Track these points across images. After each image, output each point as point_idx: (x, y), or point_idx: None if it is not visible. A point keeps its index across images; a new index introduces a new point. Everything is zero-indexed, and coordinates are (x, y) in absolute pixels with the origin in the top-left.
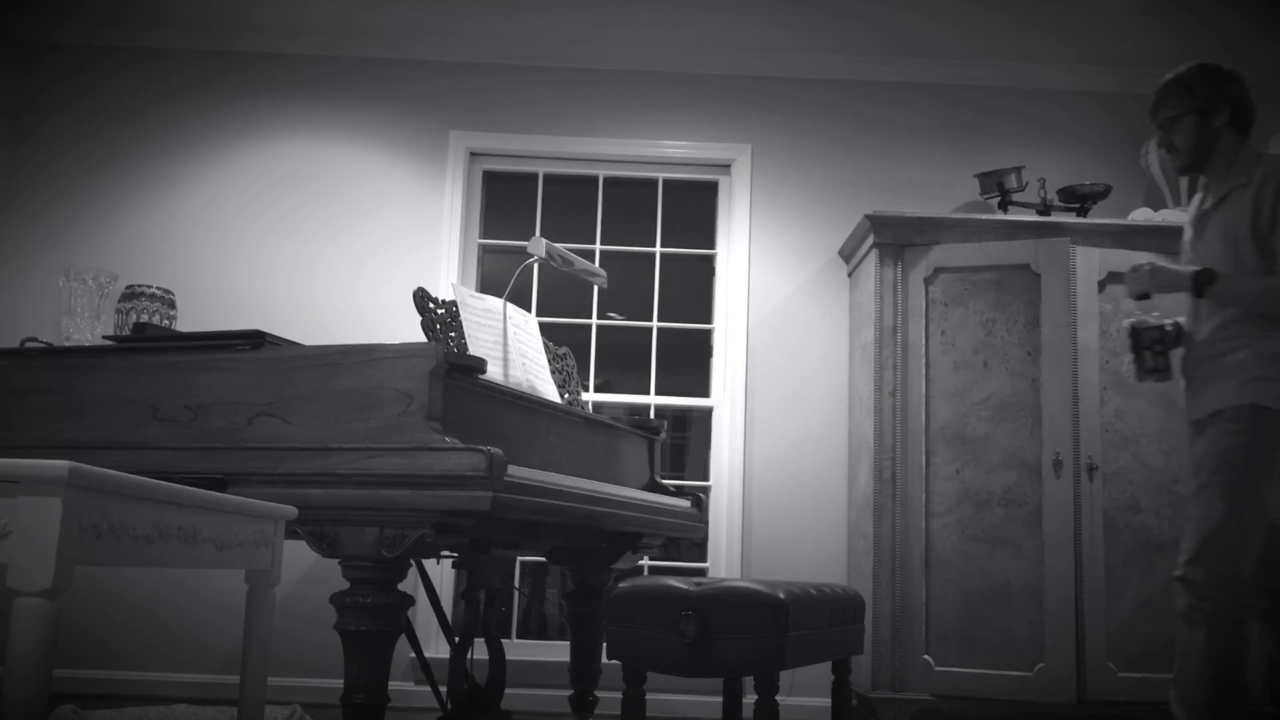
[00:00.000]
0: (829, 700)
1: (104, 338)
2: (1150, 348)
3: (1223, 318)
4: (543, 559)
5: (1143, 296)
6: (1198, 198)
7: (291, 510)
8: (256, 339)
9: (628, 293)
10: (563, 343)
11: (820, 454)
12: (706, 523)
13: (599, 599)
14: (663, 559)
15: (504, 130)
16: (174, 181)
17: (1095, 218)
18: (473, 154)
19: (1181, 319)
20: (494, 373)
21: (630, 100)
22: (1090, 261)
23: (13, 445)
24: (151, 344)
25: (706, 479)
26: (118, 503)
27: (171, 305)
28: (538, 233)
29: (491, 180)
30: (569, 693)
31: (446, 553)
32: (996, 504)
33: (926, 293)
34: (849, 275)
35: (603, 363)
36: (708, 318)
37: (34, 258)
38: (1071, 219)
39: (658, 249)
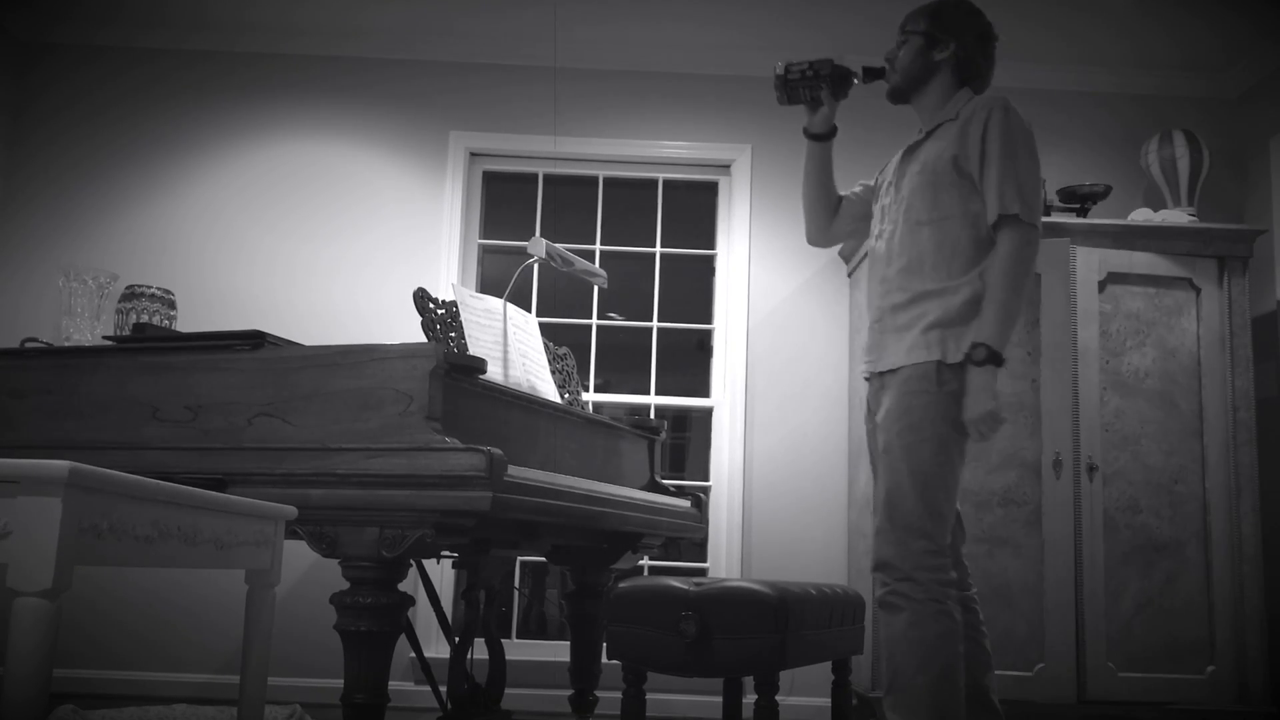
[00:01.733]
0: (829, 700)
1: (104, 338)
2: (806, 82)
3: (903, 265)
4: (543, 559)
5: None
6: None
7: (291, 510)
8: (256, 339)
9: (628, 293)
10: (563, 343)
11: (820, 454)
12: (706, 523)
13: (599, 599)
14: (663, 559)
15: (504, 130)
16: (174, 181)
17: (1095, 218)
18: (473, 154)
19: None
20: (494, 373)
21: (630, 100)
22: (1090, 262)
23: (13, 445)
24: (151, 344)
25: (706, 479)
26: (118, 503)
27: (171, 305)
28: (538, 233)
29: (491, 180)
30: (569, 693)
31: (446, 553)
32: (996, 504)
33: None
34: (849, 275)
35: (603, 363)
36: (708, 318)
37: (34, 258)
38: (1071, 219)
39: (658, 249)
